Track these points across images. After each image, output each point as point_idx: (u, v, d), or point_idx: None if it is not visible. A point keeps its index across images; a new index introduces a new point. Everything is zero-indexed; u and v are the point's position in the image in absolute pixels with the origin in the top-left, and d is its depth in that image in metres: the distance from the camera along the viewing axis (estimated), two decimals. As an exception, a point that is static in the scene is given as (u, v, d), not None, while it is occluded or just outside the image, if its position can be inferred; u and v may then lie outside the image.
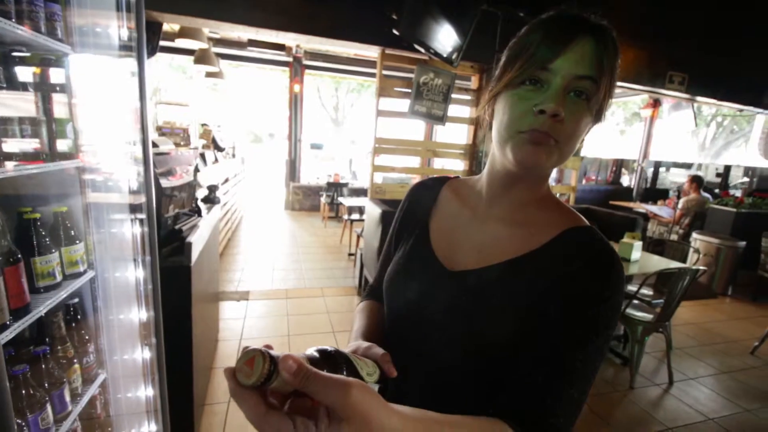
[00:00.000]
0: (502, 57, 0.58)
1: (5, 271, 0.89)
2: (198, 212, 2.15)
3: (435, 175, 0.80)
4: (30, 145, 1.17)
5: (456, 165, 4.21)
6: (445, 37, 3.16)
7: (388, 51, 3.47)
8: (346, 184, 7.19)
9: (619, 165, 9.23)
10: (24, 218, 1.03)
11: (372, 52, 3.65)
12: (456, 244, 0.65)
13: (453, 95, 3.63)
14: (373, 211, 3.40)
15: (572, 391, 0.49)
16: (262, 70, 9.19)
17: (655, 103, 7.19)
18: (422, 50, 3.13)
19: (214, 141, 5.78)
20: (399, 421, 0.39)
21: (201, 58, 5.45)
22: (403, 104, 3.61)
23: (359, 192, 6.54)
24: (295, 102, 7.83)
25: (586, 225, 0.59)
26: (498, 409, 0.49)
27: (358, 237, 4.78)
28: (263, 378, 0.33)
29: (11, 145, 1.10)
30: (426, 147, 3.88)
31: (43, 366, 1.04)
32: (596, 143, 8.97)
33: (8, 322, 0.89)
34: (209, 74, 6.22)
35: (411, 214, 0.74)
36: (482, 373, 0.56)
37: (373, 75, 7.33)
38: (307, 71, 7.71)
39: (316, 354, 0.40)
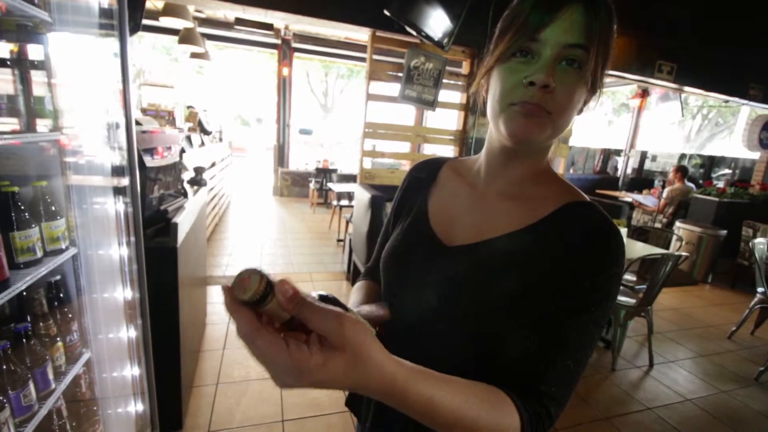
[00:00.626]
0: (495, 31, 0.57)
1: (-18, 245, 0.86)
2: (184, 194, 2.11)
3: (436, 156, 0.79)
4: (8, 125, 1.13)
5: (446, 151, 4.20)
6: (437, 21, 3.12)
7: (379, 33, 3.41)
8: (335, 170, 7.14)
9: (607, 155, 9.34)
10: (1, 191, 0.99)
11: (362, 34, 3.58)
12: (455, 220, 0.64)
13: (444, 80, 3.60)
14: (362, 196, 3.39)
15: (568, 362, 0.50)
16: (249, 52, 8.96)
17: (644, 94, 7.26)
18: (414, 33, 3.09)
19: (200, 124, 5.66)
20: (395, 365, 0.39)
21: (186, 38, 5.29)
22: (394, 89, 3.57)
23: (348, 178, 6.49)
24: (284, 86, 7.69)
25: (586, 200, 0.58)
26: (494, 376, 0.49)
27: (347, 223, 4.77)
28: (258, 295, 0.33)
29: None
30: (416, 132, 3.86)
31: (25, 343, 1.01)
32: (584, 132, 9.04)
33: (-14, 297, 0.86)
34: (194, 55, 6.05)
35: (410, 193, 0.74)
36: (481, 348, 0.56)
37: (363, 59, 7.22)
38: (296, 54, 7.56)
39: (314, 296, 0.40)
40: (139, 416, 1.39)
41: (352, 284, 3.88)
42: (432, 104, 3.62)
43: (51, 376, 1.06)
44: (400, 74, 3.51)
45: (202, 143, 5.36)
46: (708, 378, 2.78)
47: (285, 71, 7.49)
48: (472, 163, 0.69)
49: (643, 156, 9.43)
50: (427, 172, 0.74)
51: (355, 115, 15.63)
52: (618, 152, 8.72)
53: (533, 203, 0.58)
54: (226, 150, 7.04)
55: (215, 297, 3.34)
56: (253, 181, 10.23)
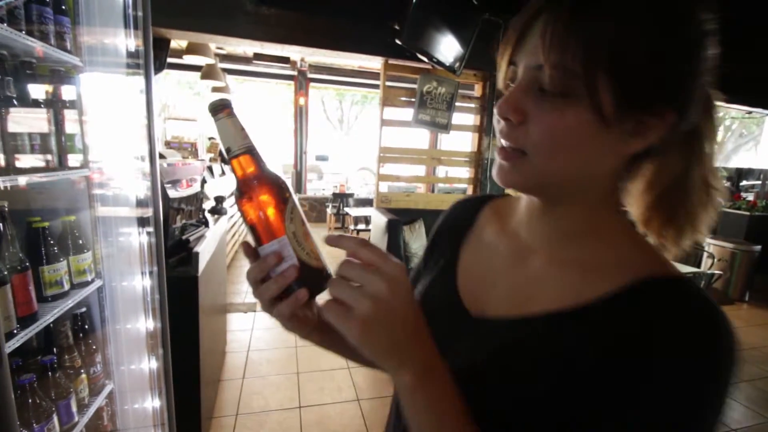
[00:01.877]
0: None
1: (13, 279, 0.89)
2: (205, 223, 2.16)
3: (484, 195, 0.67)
4: (40, 160, 1.19)
5: (461, 173, 4.20)
6: (448, 46, 3.18)
7: (392, 61, 3.50)
8: (351, 195, 7.21)
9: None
10: (32, 227, 1.04)
11: (375, 63, 3.68)
12: (488, 281, 0.51)
13: (457, 103, 3.64)
14: (378, 220, 3.40)
15: None
16: (267, 84, 9.32)
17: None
18: (425, 59, 3.15)
19: (221, 154, 5.85)
20: (435, 358, 0.40)
21: (208, 73, 5.55)
22: (407, 113, 3.63)
23: (365, 202, 6.54)
24: (301, 114, 7.92)
25: (675, 274, 0.40)
26: None
27: (365, 247, 4.76)
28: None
29: (23, 161, 1.11)
30: (431, 155, 3.89)
31: (50, 375, 1.03)
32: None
33: (15, 331, 0.89)
34: (216, 89, 6.32)
35: (444, 236, 0.62)
36: None
37: (376, 86, 7.34)
38: (311, 84, 7.81)
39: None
40: (159, 449, 1.38)
41: (371, 309, 3.84)
42: (446, 127, 3.66)
43: (74, 408, 1.07)
44: (413, 99, 3.57)
45: (223, 173, 5.52)
46: (753, 405, 2.59)
47: (301, 101, 7.73)
48: (517, 204, 0.54)
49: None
50: (467, 211, 0.61)
51: (371, 139, 15.90)
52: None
53: (593, 271, 0.43)
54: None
55: (235, 325, 3.35)
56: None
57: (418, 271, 0.63)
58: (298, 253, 0.41)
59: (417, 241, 3.43)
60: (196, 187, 2.06)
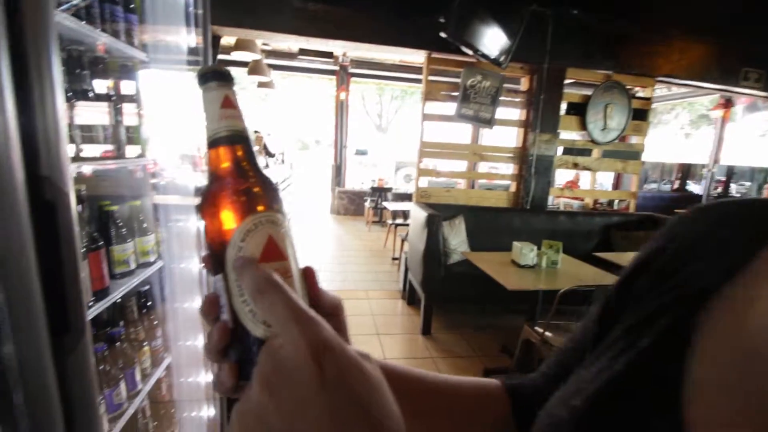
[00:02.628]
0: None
1: (89, 256, 0.98)
2: (252, 212, 2.25)
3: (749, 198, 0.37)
4: (109, 149, 1.29)
5: (505, 169, 4.11)
6: (494, 39, 3.11)
7: (435, 55, 3.47)
8: (390, 189, 7.24)
9: (686, 170, 8.55)
10: (104, 210, 1.13)
11: (417, 57, 3.66)
12: None
13: (501, 97, 3.55)
14: (418, 215, 3.40)
15: None
16: (309, 79, 9.52)
17: (727, 104, 6.61)
18: (470, 52, 3.10)
19: (265, 147, 6.05)
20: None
21: (254, 69, 5.75)
22: (449, 108, 3.59)
23: (403, 197, 6.55)
24: (341, 109, 8.03)
25: None
26: None
27: (402, 241, 4.78)
28: None
29: (93, 150, 1.21)
30: (473, 150, 3.82)
31: (118, 346, 1.12)
32: (658, 147, 8.39)
33: (91, 303, 0.98)
34: (261, 84, 6.54)
35: (663, 277, 0.32)
36: None
37: (417, 81, 7.32)
38: (352, 79, 7.88)
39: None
40: (210, 421, 1.48)
41: (408, 303, 3.87)
42: (489, 122, 3.58)
43: (138, 377, 1.16)
44: (456, 93, 3.52)
45: (267, 165, 5.72)
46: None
47: (342, 95, 7.83)
48: None
49: (730, 171, 8.51)
50: (720, 240, 0.31)
51: (410, 134, 15.85)
52: (700, 167, 7.96)
53: None
54: (288, 171, 7.45)
55: (276, 311, 3.48)
56: (312, 200, 10.67)
57: (586, 328, 0.39)
58: (234, 302, 0.28)
59: (456, 237, 3.40)
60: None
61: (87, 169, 1.40)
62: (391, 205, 5.71)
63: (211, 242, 0.30)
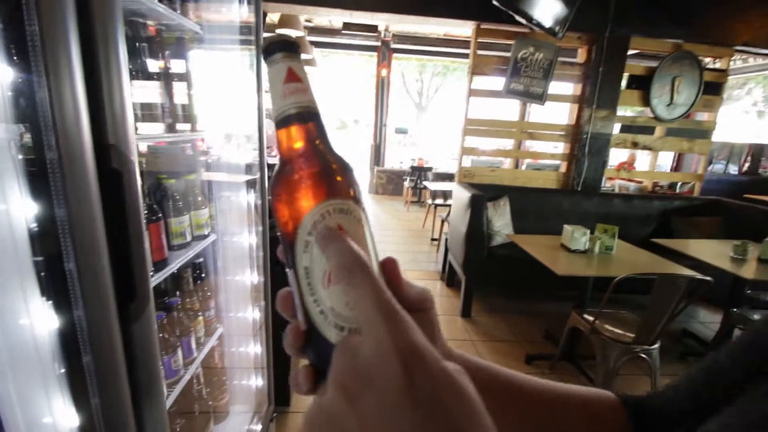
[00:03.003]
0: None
1: (149, 228, 1.00)
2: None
3: None
4: (161, 126, 1.32)
5: (555, 148, 3.89)
6: (550, 6, 2.89)
7: (484, 26, 3.29)
8: (430, 169, 7.12)
9: (758, 152, 7.75)
10: (162, 183, 1.16)
11: (465, 29, 3.49)
12: None
13: (555, 71, 3.33)
14: (461, 195, 3.30)
15: None
16: (350, 56, 9.42)
17: (814, 75, 5.86)
18: (523, 21, 2.90)
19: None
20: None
21: (297, 46, 5.74)
22: (498, 83, 3.41)
23: (443, 177, 6.42)
24: (382, 86, 7.90)
25: None
26: None
27: (443, 222, 4.71)
28: None
29: (150, 126, 1.24)
30: (521, 128, 3.63)
31: (175, 315, 1.17)
32: (727, 125, 7.64)
33: (151, 273, 1.01)
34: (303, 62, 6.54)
35: None
36: None
37: (461, 55, 7.07)
38: (394, 55, 7.71)
39: None
40: (258, 390, 1.53)
41: (447, 285, 3.82)
42: (541, 97, 3.38)
43: (194, 345, 1.20)
44: (505, 67, 3.34)
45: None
46: None
47: (383, 72, 7.69)
48: None
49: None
50: None
51: (451, 112, 15.44)
52: (773, 148, 7.19)
53: None
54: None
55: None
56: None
57: (728, 355, 0.34)
58: (305, 302, 0.27)
59: (501, 219, 3.28)
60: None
61: (143, 146, 1.45)
62: (432, 185, 5.61)
63: (282, 233, 0.28)
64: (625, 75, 3.52)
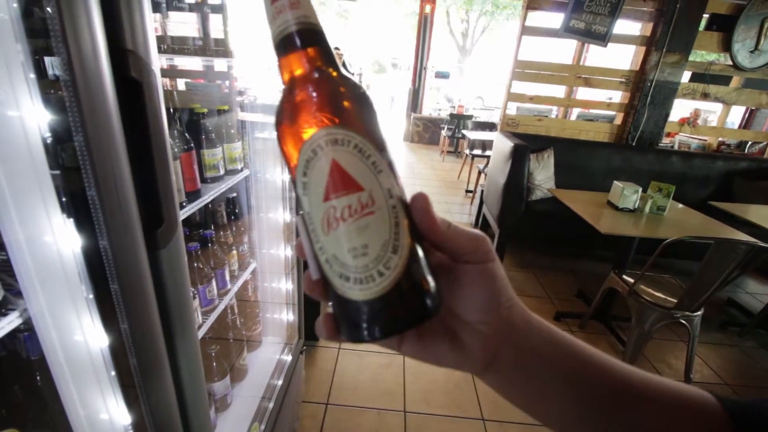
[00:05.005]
0: None
1: (182, 157, 0.98)
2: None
3: None
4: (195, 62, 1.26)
5: (609, 99, 3.55)
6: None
7: (547, -49, 2.90)
8: (470, 117, 6.78)
9: None
10: (195, 113, 1.12)
11: (524, -45, 3.09)
12: None
13: (624, 6, 2.93)
14: (502, 145, 3.12)
15: None
16: (392, -9, 8.77)
17: None
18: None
19: (344, 65, 5.88)
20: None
21: (336, -23, 5.37)
22: (554, 20, 3.07)
23: (483, 126, 6.10)
24: (425, 25, 7.38)
25: None
26: None
27: (479, 173, 4.54)
28: None
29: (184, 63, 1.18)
30: (576, 73, 3.31)
31: (210, 247, 1.18)
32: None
33: (184, 203, 1.00)
34: (343, -4, 6.16)
35: None
36: None
37: (515, -9, 6.42)
38: (440, -11, 7.11)
39: None
40: (289, 324, 1.58)
41: (479, 237, 3.75)
42: (603, 38, 3.02)
43: (228, 277, 1.23)
44: (566, 1, 2.97)
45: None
46: None
47: (427, 8, 7.15)
48: None
49: None
50: None
51: (496, 58, 14.43)
52: None
53: None
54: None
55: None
56: (386, 126, 10.48)
57: None
58: (314, 248, 0.25)
59: (543, 172, 3.10)
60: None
61: (180, 83, 1.40)
62: (471, 134, 5.37)
63: (289, 176, 0.26)
64: (705, 15, 3.06)
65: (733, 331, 2.62)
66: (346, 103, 0.24)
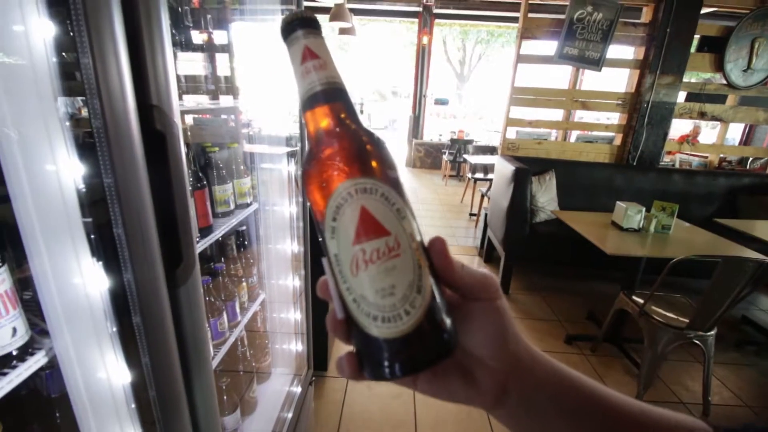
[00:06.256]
0: None
1: (195, 195, 1.02)
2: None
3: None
4: (204, 99, 1.33)
5: (608, 119, 3.61)
6: (614, -41, 2.61)
7: (537, -16, 3.03)
8: (470, 141, 6.89)
9: None
10: (207, 152, 1.17)
11: (516, -12, 3.24)
12: None
13: (615, 32, 3.04)
14: (504, 169, 3.17)
15: None
16: (390, 24, 9.11)
17: None
18: (582, -22, 2.65)
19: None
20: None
21: (336, 14, 5.59)
22: (548, 48, 3.17)
23: (484, 150, 6.20)
24: (423, 55, 7.63)
25: None
26: None
27: (482, 196, 4.58)
28: None
29: (189, 100, 1.24)
30: (572, 97, 3.39)
31: (220, 280, 1.21)
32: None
33: (197, 239, 1.04)
34: (342, 31, 6.39)
35: None
36: None
37: (507, 19, 6.66)
38: (436, 21, 7.38)
39: None
40: (298, 354, 1.58)
41: (485, 261, 3.75)
42: (597, 63, 3.11)
43: (238, 309, 1.25)
44: (558, 30, 3.09)
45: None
46: None
47: (425, 40, 7.40)
48: None
49: None
50: None
51: (493, 83, 14.76)
52: None
53: None
54: (366, 122, 7.42)
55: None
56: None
57: None
58: (340, 289, 0.26)
59: (546, 194, 3.13)
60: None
61: (189, 119, 1.46)
62: (472, 158, 5.44)
63: (315, 221, 0.27)
64: (696, 37, 3.16)
65: (750, 350, 2.56)
66: (373, 156, 0.27)
